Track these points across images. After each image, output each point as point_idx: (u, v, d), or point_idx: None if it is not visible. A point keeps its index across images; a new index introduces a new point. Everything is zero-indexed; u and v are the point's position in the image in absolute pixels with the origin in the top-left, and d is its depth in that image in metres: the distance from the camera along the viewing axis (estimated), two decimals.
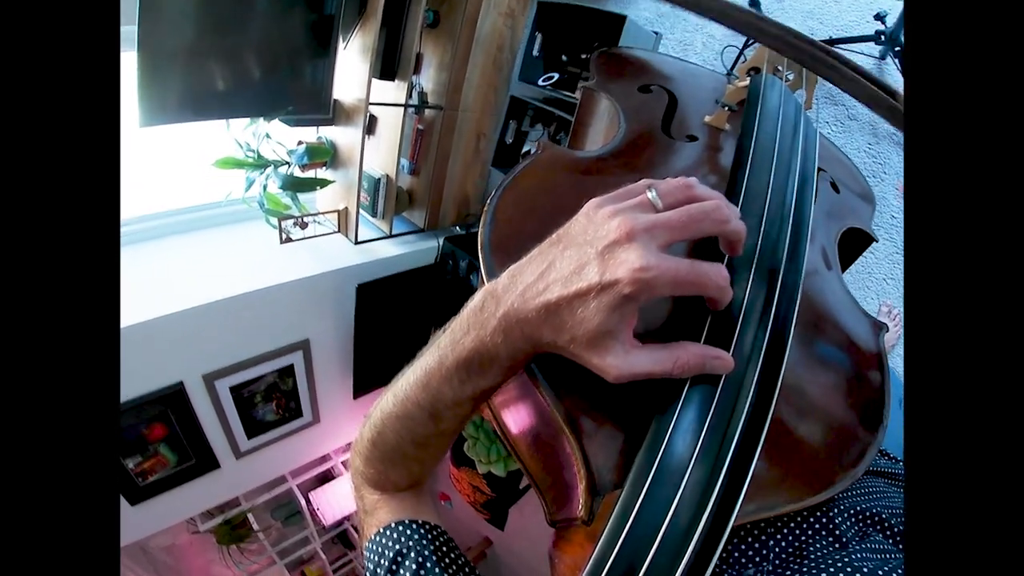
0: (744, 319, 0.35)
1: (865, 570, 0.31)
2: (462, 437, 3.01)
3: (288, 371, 2.19)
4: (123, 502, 1.96)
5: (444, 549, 0.45)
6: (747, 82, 0.65)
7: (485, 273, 0.39)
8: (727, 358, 0.32)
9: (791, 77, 0.72)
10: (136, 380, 1.76)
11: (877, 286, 1.71)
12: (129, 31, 1.36)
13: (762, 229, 0.40)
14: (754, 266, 0.37)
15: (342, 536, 3.90)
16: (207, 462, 2.15)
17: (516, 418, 0.42)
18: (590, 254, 0.30)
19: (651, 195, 0.32)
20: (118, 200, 0.24)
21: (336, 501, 3.28)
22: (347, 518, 3.49)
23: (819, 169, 0.67)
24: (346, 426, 2.73)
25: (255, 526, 3.09)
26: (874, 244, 0.70)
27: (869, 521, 0.39)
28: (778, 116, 0.57)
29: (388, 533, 0.46)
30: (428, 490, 0.55)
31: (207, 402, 2.00)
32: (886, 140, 1.61)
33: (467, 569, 0.44)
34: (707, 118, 0.70)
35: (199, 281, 1.83)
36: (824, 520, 0.37)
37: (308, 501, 3.25)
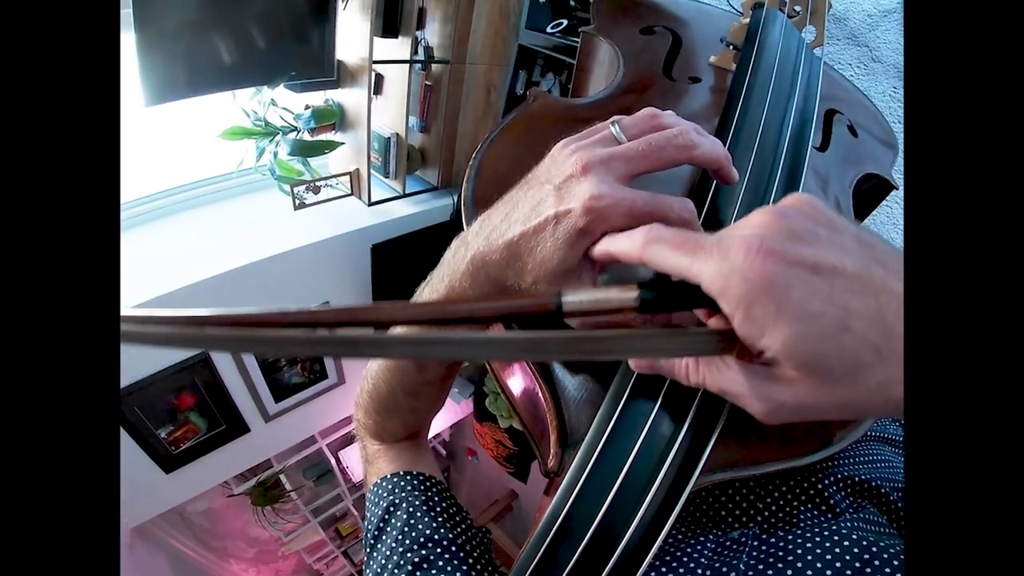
0: None
1: (855, 536, 0.29)
2: (483, 393, 3.05)
3: None
4: (158, 470, 2.03)
5: (436, 499, 0.46)
6: (749, 18, 0.62)
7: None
8: None
9: (798, 11, 0.69)
10: (161, 352, 1.78)
11: (901, 238, 1.63)
12: (124, 13, 1.35)
13: (749, 170, 0.39)
14: (737, 206, 0.36)
15: None
16: (237, 427, 2.21)
17: (509, 370, 0.43)
18: (548, 190, 0.30)
19: (615, 130, 0.32)
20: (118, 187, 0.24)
21: None
22: None
23: (835, 111, 0.64)
24: None
25: (288, 486, 3.20)
26: (895, 192, 0.67)
27: (864, 492, 0.37)
28: (776, 52, 0.54)
29: (383, 484, 0.48)
30: (427, 443, 0.56)
31: (232, 369, 2.04)
32: None
33: (458, 518, 0.45)
34: (712, 58, 0.67)
35: (216, 252, 1.85)
36: (818, 487, 0.36)
37: (338, 460, 3.36)
